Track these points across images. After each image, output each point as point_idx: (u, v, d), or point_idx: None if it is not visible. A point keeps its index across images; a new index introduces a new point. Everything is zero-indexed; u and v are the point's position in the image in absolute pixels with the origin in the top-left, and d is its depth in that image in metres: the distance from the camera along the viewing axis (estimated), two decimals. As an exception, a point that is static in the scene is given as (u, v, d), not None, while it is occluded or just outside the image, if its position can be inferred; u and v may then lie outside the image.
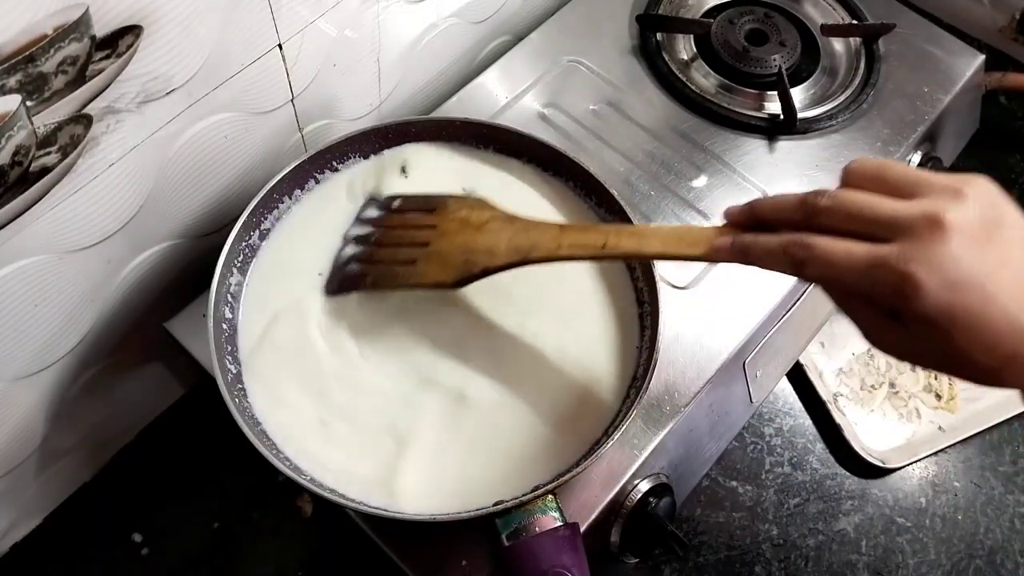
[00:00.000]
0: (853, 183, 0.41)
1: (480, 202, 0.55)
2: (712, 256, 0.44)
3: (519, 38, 0.78)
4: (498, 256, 0.52)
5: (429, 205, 0.57)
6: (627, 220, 0.58)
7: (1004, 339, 0.37)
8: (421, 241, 0.55)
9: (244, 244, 0.57)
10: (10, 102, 0.43)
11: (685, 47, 0.79)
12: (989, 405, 0.76)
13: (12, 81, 0.42)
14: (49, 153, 0.47)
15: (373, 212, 0.59)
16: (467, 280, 0.53)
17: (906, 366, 0.79)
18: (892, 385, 0.78)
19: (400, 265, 0.55)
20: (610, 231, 0.49)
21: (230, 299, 0.56)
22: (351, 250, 0.58)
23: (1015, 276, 0.37)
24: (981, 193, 0.39)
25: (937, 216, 0.37)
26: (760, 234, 0.43)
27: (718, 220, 0.67)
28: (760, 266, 0.43)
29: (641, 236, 0.48)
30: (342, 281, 0.57)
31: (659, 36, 0.78)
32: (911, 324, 0.38)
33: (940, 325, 0.37)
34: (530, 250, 0.51)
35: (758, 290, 0.65)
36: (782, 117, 0.73)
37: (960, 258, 0.37)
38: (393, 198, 0.59)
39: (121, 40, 0.46)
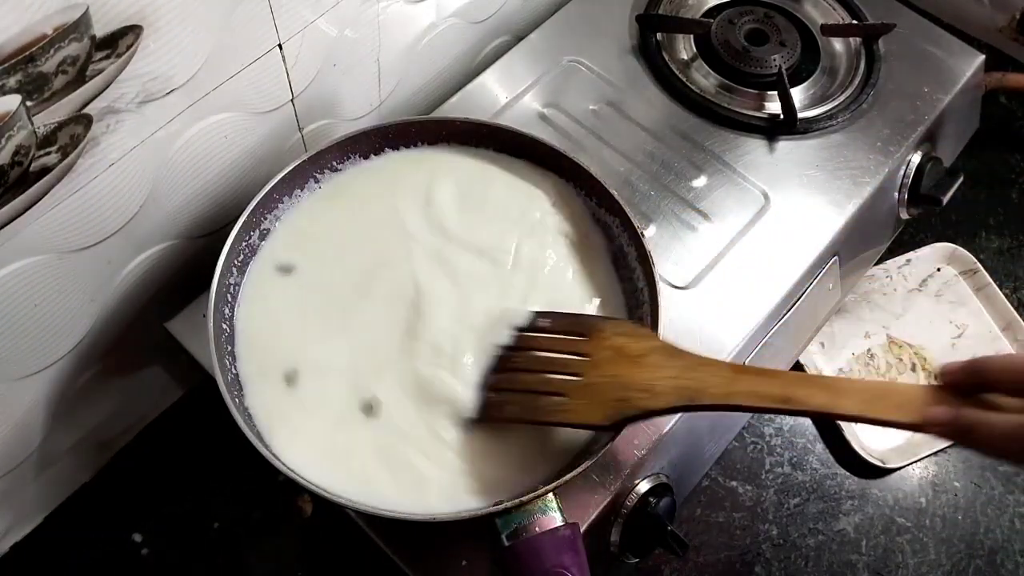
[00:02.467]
0: None
1: (639, 328, 0.50)
2: (925, 428, 0.38)
3: (519, 38, 0.78)
4: (660, 397, 0.46)
5: (580, 328, 0.51)
6: (627, 220, 0.58)
7: None
8: (572, 370, 0.49)
9: (244, 244, 0.57)
10: (10, 102, 0.43)
11: (685, 47, 0.79)
12: (989, 405, 0.76)
13: (12, 81, 0.42)
14: (49, 153, 0.47)
15: (514, 334, 0.54)
16: (623, 423, 0.47)
17: (906, 366, 0.79)
18: (892, 385, 0.78)
19: (547, 396, 0.49)
20: (794, 381, 0.43)
21: (230, 299, 0.55)
22: (490, 375, 0.52)
23: None
24: None
25: None
26: (991, 411, 0.36)
27: (719, 220, 0.68)
28: (987, 452, 0.37)
29: (834, 392, 0.42)
30: (482, 410, 0.52)
31: (659, 36, 0.78)
32: None
33: None
34: (697, 394, 0.45)
35: (758, 290, 0.65)
36: (782, 117, 0.73)
37: None
38: (540, 315, 0.54)
39: (121, 40, 0.46)
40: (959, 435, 0.37)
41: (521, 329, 0.53)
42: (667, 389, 0.46)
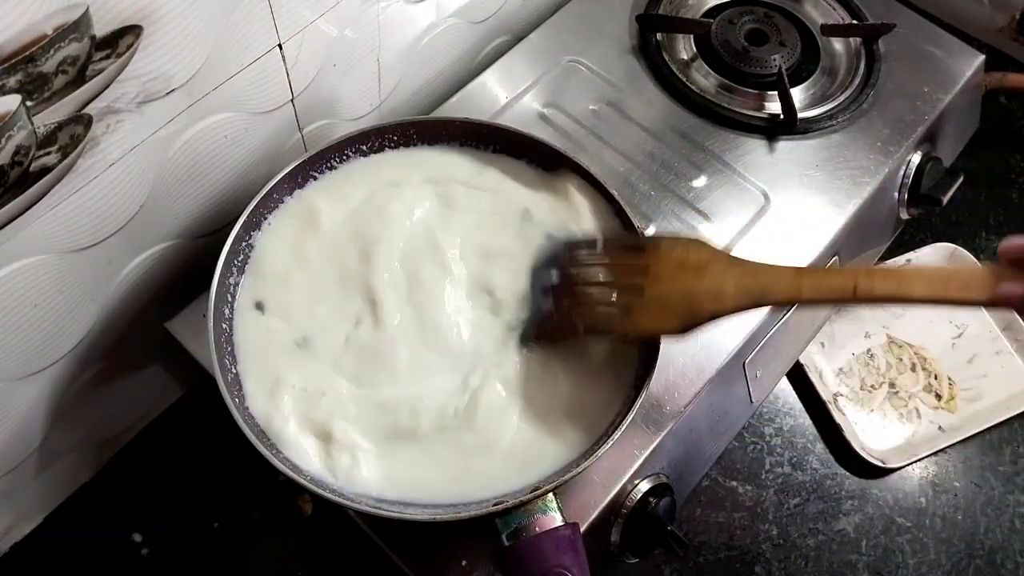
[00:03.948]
0: None
1: (697, 242, 0.50)
2: (997, 303, 0.39)
3: (519, 38, 0.78)
4: (727, 299, 0.47)
5: (637, 245, 0.52)
6: (627, 220, 0.58)
7: None
8: (635, 286, 0.50)
9: (244, 244, 0.57)
10: (10, 102, 0.43)
11: (685, 47, 0.79)
12: (989, 405, 0.76)
13: (12, 81, 0.42)
14: (49, 153, 0.47)
15: (567, 254, 0.54)
16: (693, 326, 0.48)
17: (906, 366, 0.79)
18: (892, 385, 0.78)
19: (616, 309, 0.50)
20: (860, 272, 0.44)
21: (230, 299, 0.55)
22: (549, 297, 0.53)
23: None
24: None
25: None
26: None
27: (719, 220, 0.68)
28: None
29: (900, 278, 0.42)
30: (553, 328, 0.53)
31: (659, 36, 0.78)
32: None
33: None
34: (764, 293, 0.47)
35: (758, 290, 0.65)
36: (782, 117, 0.73)
37: None
38: (593, 240, 0.54)
39: (121, 40, 0.46)
40: None
41: (572, 251, 0.54)
42: (734, 292, 0.47)
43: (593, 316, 0.51)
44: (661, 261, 0.50)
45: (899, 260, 0.83)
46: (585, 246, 0.54)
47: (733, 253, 0.51)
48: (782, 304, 0.47)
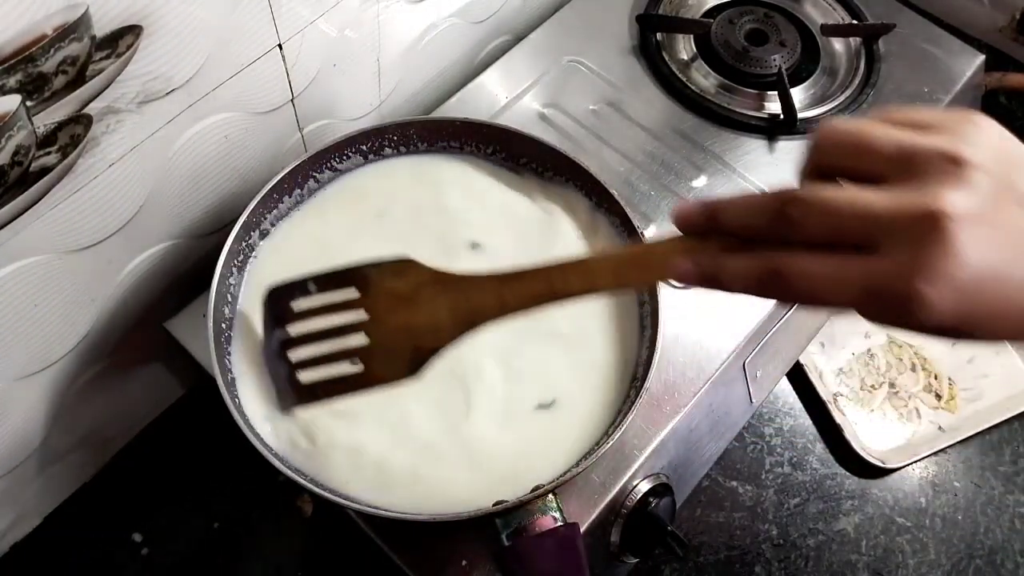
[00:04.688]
0: (826, 159, 0.36)
1: (402, 264, 0.48)
2: (676, 280, 0.39)
3: (519, 38, 0.78)
4: (444, 331, 0.46)
5: (349, 282, 0.49)
6: (627, 220, 0.58)
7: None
8: (359, 330, 0.48)
9: (244, 244, 0.57)
10: (10, 102, 0.43)
11: (685, 47, 0.79)
12: (989, 405, 0.76)
13: (12, 81, 0.42)
14: (49, 153, 0.46)
15: (282, 304, 0.51)
16: (422, 365, 0.47)
17: (906, 366, 0.79)
18: (892, 385, 0.78)
19: (348, 362, 0.48)
20: (553, 271, 0.42)
21: (230, 299, 0.55)
22: (291, 356, 0.51)
23: None
24: (986, 151, 0.32)
25: (935, 213, 0.30)
26: (728, 256, 0.37)
27: (718, 220, 0.68)
28: (734, 292, 0.37)
29: (590, 271, 0.42)
30: (297, 394, 0.51)
31: (659, 36, 0.78)
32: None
33: (959, 331, 0.33)
34: (474, 315, 0.45)
35: (758, 290, 0.65)
36: (782, 117, 0.73)
37: (972, 256, 0.30)
38: (304, 282, 0.50)
39: (121, 40, 0.46)
40: (707, 282, 0.37)
41: (294, 297, 0.51)
42: (447, 321, 0.46)
43: (329, 376, 0.49)
44: (377, 297, 0.48)
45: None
46: (299, 291, 0.50)
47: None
48: (495, 320, 0.45)
